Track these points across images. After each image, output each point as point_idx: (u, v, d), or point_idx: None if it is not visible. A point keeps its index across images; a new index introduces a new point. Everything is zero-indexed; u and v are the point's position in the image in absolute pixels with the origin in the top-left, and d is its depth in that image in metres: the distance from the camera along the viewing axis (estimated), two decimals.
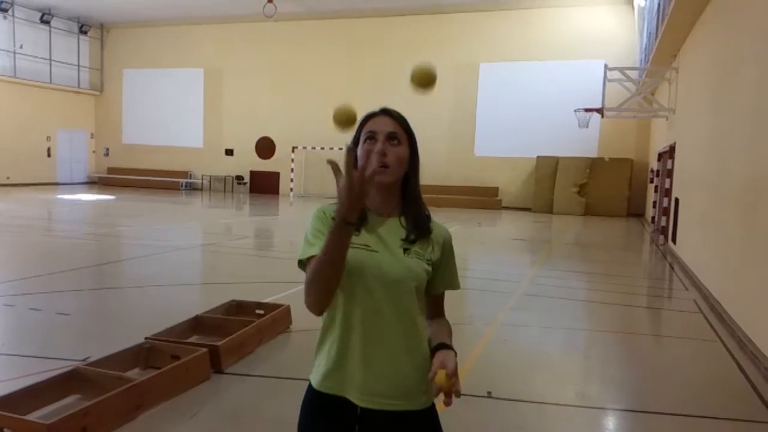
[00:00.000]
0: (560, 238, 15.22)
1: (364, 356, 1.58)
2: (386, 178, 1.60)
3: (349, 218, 1.45)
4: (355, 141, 1.67)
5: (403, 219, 1.65)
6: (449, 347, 1.59)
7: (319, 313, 1.59)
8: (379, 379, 1.58)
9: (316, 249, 1.56)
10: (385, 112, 1.67)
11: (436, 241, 1.68)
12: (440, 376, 1.50)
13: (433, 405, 1.67)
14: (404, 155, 1.63)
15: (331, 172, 1.50)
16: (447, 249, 1.71)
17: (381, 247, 1.61)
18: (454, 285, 1.75)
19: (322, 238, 1.55)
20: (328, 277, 1.51)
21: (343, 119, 1.67)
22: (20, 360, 4.59)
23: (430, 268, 1.64)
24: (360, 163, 1.61)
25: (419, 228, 1.65)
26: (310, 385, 1.67)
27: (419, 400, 1.62)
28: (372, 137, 1.62)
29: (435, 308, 1.77)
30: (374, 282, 1.57)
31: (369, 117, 1.67)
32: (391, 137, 1.62)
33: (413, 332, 1.62)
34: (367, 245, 1.60)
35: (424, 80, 1.72)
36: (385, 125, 1.63)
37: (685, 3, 9.95)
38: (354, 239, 1.59)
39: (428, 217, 1.68)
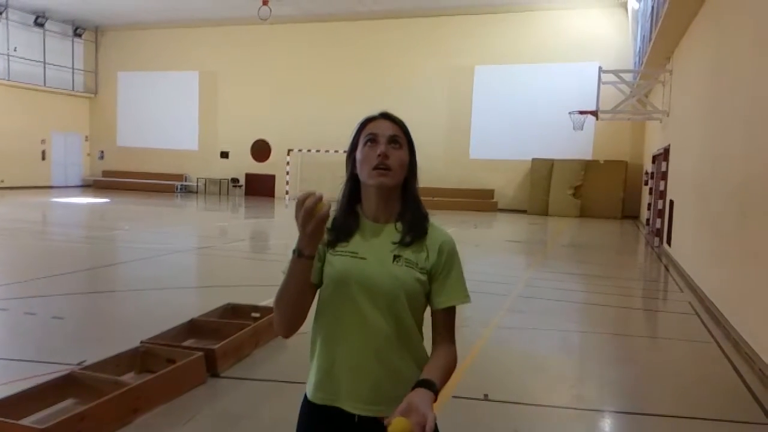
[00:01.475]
0: (555, 240, 15.25)
1: (354, 365, 1.56)
2: (388, 181, 1.57)
3: (304, 251, 1.43)
4: (353, 145, 1.64)
5: (399, 224, 1.61)
6: (431, 387, 1.43)
7: (285, 335, 1.56)
8: (372, 387, 1.55)
9: None
10: (386, 116, 1.65)
11: (431, 246, 1.60)
12: (395, 426, 1.27)
13: None
14: (405, 159, 1.61)
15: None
16: (445, 255, 1.60)
17: (370, 254, 1.57)
18: (457, 297, 1.60)
19: None
20: (286, 302, 1.50)
21: None
22: (15, 364, 4.57)
23: (423, 277, 1.57)
24: (360, 166, 1.60)
25: (415, 229, 1.60)
26: (305, 397, 1.66)
27: None
28: (373, 140, 1.59)
29: (438, 329, 1.61)
30: (359, 290, 1.54)
31: (368, 120, 1.64)
32: (392, 140, 1.59)
33: (404, 339, 1.57)
34: (354, 253, 1.58)
35: None
36: (386, 128, 1.60)
37: (679, 6, 10.00)
38: (342, 247, 1.59)
39: (425, 217, 1.64)
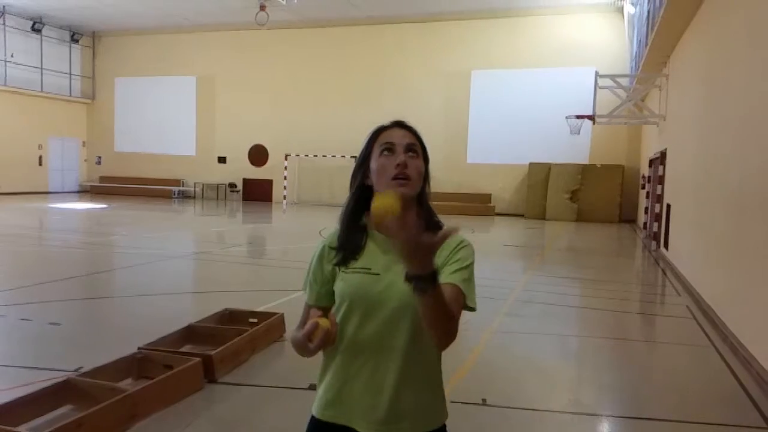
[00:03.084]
0: (553, 244, 15.26)
1: (368, 384, 1.52)
2: (409, 191, 1.52)
3: None
4: (364, 156, 1.59)
5: None
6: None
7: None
8: (387, 405, 1.51)
9: (310, 298, 1.63)
10: (400, 124, 1.60)
11: (446, 248, 1.54)
12: (381, 199, 1.33)
13: (444, 426, 1.62)
14: (423, 168, 1.57)
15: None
16: (455, 251, 1.55)
17: (383, 269, 1.53)
18: (456, 279, 1.49)
19: (315, 287, 1.61)
20: (302, 354, 1.55)
21: None
22: (11, 371, 4.55)
23: None
24: (377, 176, 1.54)
25: None
26: (312, 417, 1.62)
27: (427, 421, 1.57)
28: (390, 149, 1.54)
29: None
30: (374, 307, 1.51)
31: (381, 129, 1.60)
32: (409, 149, 1.55)
33: (420, 356, 1.53)
34: (368, 268, 1.54)
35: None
36: (402, 137, 1.56)
37: (675, 10, 10.04)
38: (354, 263, 1.55)
39: (439, 227, 1.59)
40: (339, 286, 1.55)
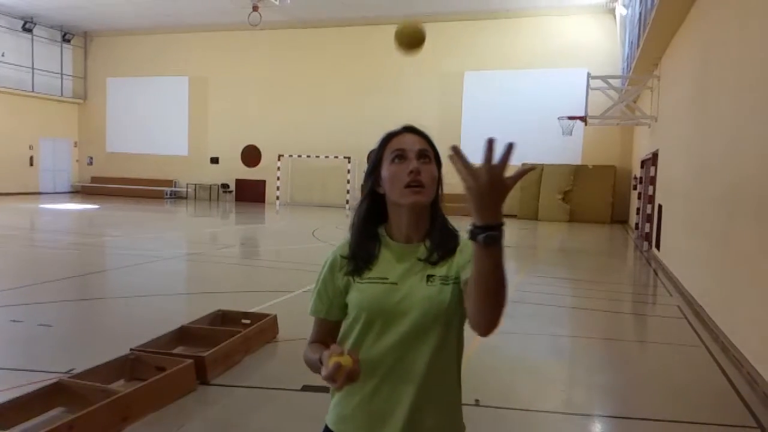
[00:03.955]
0: (545, 245, 15.31)
1: (386, 401, 1.47)
2: (423, 199, 1.47)
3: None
4: (375, 163, 1.54)
5: (428, 242, 1.51)
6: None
7: None
8: (403, 424, 1.46)
9: (320, 311, 1.56)
10: (410, 129, 1.55)
11: (461, 249, 1.50)
12: None
13: None
14: (436, 174, 1.51)
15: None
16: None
17: (400, 278, 1.48)
18: None
19: (326, 299, 1.54)
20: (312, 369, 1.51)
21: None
22: (2, 373, 4.52)
23: (457, 285, 1.47)
24: (390, 184, 1.49)
25: (443, 246, 1.50)
26: (326, 427, 1.57)
27: None
28: (401, 156, 1.49)
29: None
30: (392, 318, 1.46)
31: (392, 136, 1.54)
32: (421, 155, 1.49)
33: (441, 371, 1.49)
34: (384, 278, 1.48)
35: (412, 40, 1.61)
36: (413, 143, 1.51)
37: (667, 12, 10.10)
38: (368, 273, 1.50)
39: (454, 235, 1.54)
40: (354, 298, 1.50)
